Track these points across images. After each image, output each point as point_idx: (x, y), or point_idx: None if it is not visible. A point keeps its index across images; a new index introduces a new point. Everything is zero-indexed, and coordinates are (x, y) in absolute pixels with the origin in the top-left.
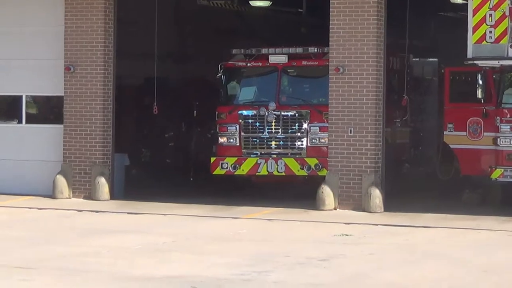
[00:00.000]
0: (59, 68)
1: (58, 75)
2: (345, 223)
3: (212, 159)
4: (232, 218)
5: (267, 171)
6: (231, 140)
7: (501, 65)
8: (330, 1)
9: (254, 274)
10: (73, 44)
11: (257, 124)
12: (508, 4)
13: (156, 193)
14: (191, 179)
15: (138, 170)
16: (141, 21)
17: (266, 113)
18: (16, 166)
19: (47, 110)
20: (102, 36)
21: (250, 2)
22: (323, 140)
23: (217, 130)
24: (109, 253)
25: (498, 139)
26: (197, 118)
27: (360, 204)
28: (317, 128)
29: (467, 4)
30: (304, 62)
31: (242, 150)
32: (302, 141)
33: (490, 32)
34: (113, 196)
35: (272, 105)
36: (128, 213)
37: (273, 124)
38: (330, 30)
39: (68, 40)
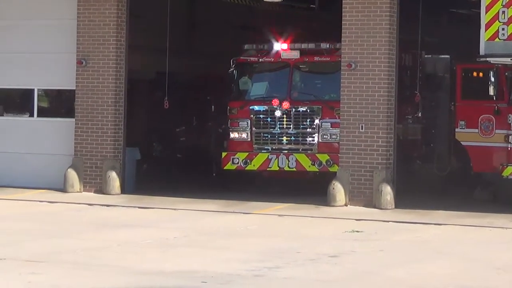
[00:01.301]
0: (71, 62)
1: (70, 68)
2: (356, 220)
3: (223, 154)
4: (243, 213)
5: (278, 166)
6: (243, 135)
7: None
8: None
9: (265, 270)
10: (85, 37)
11: (269, 119)
12: None
13: (167, 187)
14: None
15: (149, 164)
16: (154, 16)
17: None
18: (27, 159)
19: (59, 103)
20: (114, 30)
21: None
22: (334, 136)
23: (229, 125)
24: (120, 247)
25: (510, 137)
26: (212, 113)
27: (371, 201)
28: (329, 124)
29: (480, 1)
30: (316, 58)
31: (254, 146)
32: (314, 137)
33: (503, 29)
34: (124, 190)
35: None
36: (139, 207)
37: (285, 119)
38: (343, 26)
39: (81, 33)
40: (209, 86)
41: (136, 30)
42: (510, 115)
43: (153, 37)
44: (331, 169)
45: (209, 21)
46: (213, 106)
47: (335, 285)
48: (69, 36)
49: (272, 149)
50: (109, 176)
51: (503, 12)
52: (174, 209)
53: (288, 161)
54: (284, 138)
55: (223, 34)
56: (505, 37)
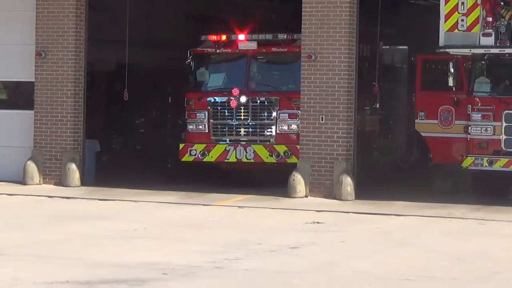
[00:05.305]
0: (30, 54)
1: (29, 60)
2: (317, 211)
3: (181, 145)
4: (203, 205)
5: (236, 158)
6: (200, 127)
7: (473, 53)
8: None
9: (226, 262)
10: (44, 29)
11: (226, 111)
12: None
13: (127, 179)
14: (169, 165)
15: (108, 156)
16: (113, 7)
17: (235, 99)
18: None
19: (18, 95)
20: (73, 21)
21: None
22: (292, 127)
23: (186, 116)
24: (80, 239)
25: (469, 128)
26: (170, 104)
27: (332, 192)
28: (286, 115)
29: None
30: (273, 49)
31: (211, 137)
32: (271, 128)
33: (462, 20)
34: (84, 182)
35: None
36: (99, 199)
37: (242, 111)
38: (303, 17)
39: (40, 25)
40: (169, 78)
41: (95, 22)
42: (469, 106)
43: (113, 29)
44: (289, 160)
45: (168, 12)
46: (170, 98)
47: (296, 277)
48: (28, 28)
49: (229, 140)
50: (69, 168)
51: (462, 3)
52: (134, 201)
53: (246, 152)
54: (242, 130)
55: (181, 25)
56: (464, 28)
